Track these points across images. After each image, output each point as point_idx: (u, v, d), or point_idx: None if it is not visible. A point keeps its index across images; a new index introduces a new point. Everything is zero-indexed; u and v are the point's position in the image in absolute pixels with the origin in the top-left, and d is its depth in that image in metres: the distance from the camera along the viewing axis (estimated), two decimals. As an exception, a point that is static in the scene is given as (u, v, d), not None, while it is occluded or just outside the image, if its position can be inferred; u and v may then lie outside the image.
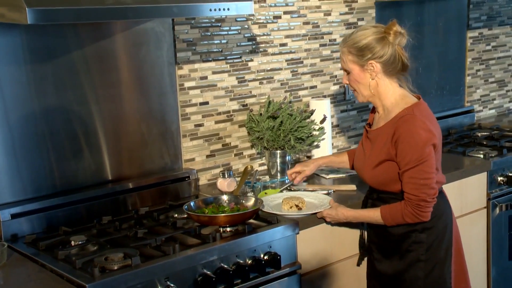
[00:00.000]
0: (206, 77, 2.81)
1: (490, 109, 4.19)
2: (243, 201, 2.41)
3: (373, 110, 2.37)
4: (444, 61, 3.83)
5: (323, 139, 3.03)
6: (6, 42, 2.25)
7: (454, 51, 3.88)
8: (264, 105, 2.94)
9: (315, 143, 3.03)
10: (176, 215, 2.43)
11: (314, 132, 2.95)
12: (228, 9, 2.30)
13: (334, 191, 2.68)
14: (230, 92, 2.90)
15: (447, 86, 3.88)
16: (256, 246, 2.23)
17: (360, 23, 3.32)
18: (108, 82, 2.51)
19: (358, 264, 2.51)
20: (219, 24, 2.82)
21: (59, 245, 2.18)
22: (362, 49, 2.19)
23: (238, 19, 2.88)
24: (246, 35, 2.92)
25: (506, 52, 4.20)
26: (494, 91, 4.19)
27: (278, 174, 2.88)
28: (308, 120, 2.93)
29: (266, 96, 3.00)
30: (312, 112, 2.97)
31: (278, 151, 2.87)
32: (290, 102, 3.04)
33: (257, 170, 2.84)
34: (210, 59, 2.81)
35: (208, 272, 2.10)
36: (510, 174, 3.17)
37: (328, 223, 2.43)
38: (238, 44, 2.90)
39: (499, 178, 3.15)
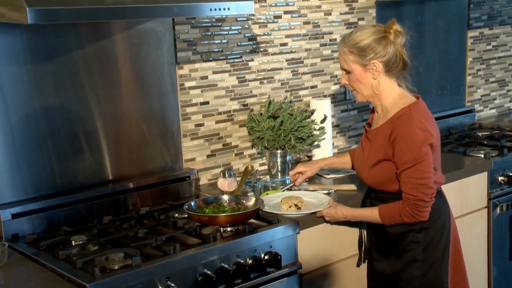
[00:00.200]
0: (206, 77, 2.81)
1: (490, 108, 4.18)
2: (244, 201, 2.41)
3: (373, 110, 2.37)
4: (444, 61, 3.83)
5: (323, 139, 3.02)
6: (6, 42, 2.25)
7: (455, 51, 3.88)
8: (264, 105, 2.94)
9: (316, 143, 3.03)
10: (176, 215, 2.43)
11: (315, 132, 2.95)
12: (229, 9, 2.30)
13: (334, 191, 2.68)
14: (231, 92, 2.90)
15: (448, 86, 3.88)
16: (257, 246, 2.23)
17: (360, 22, 3.32)
18: (109, 82, 2.51)
19: (358, 265, 2.51)
20: (219, 24, 2.82)
21: (59, 245, 2.18)
22: (364, 49, 2.19)
23: (239, 19, 2.88)
24: (246, 34, 2.92)
25: (507, 52, 4.20)
26: (495, 91, 4.19)
27: (279, 174, 2.88)
28: (308, 120, 2.93)
29: (267, 96, 3.00)
30: (312, 112, 2.97)
31: (279, 151, 2.87)
32: (290, 102, 3.04)
33: (257, 170, 2.84)
34: (211, 58, 2.81)
35: (209, 272, 2.10)
36: (510, 174, 3.17)
37: (327, 222, 2.43)
38: (239, 44, 2.90)
39: (500, 178, 3.15)
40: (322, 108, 3.02)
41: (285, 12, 3.05)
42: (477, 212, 3.09)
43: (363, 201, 2.41)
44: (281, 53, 3.06)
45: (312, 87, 3.21)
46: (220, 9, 2.28)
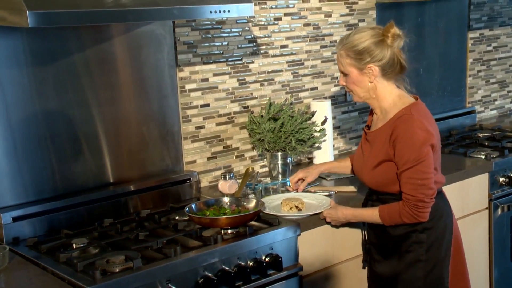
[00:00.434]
0: (207, 79, 2.81)
1: (491, 110, 4.18)
2: (244, 203, 2.41)
3: (372, 112, 2.37)
4: (445, 62, 3.83)
5: (324, 140, 3.03)
6: (7, 45, 2.26)
7: (455, 52, 3.88)
8: (265, 107, 2.94)
9: (316, 145, 3.03)
10: (177, 218, 2.43)
11: (315, 134, 2.95)
12: (229, 11, 2.31)
13: (335, 193, 2.68)
14: (231, 94, 2.90)
15: (448, 87, 3.88)
16: (258, 248, 2.23)
17: (361, 24, 3.32)
18: (109, 84, 2.51)
19: (364, 267, 2.50)
20: (219, 26, 2.82)
21: (60, 248, 2.18)
22: (361, 52, 2.18)
23: (239, 21, 2.88)
24: (247, 37, 2.92)
25: (507, 53, 4.20)
26: (495, 92, 4.18)
27: (280, 176, 2.88)
28: (309, 121, 2.93)
29: (267, 98, 3.01)
30: (313, 114, 2.97)
31: (279, 153, 2.87)
32: (291, 103, 3.04)
33: (258, 172, 2.83)
34: (211, 61, 2.81)
35: (210, 274, 2.10)
36: (511, 175, 3.17)
37: (328, 223, 2.43)
38: (239, 46, 2.90)
39: (501, 179, 3.15)
40: (323, 110, 3.02)
41: (286, 14, 3.05)
42: (478, 213, 3.09)
43: (364, 203, 2.41)
44: (281, 55, 3.06)
45: (312, 88, 3.21)
46: (220, 12, 2.28)
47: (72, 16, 1.96)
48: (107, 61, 2.49)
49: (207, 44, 2.79)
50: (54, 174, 2.40)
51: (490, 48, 4.08)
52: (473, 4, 3.90)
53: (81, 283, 1.89)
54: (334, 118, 3.27)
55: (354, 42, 2.19)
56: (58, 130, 2.40)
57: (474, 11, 3.93)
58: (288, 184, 2.75)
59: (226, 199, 2.45)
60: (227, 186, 2.70)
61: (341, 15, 3.25)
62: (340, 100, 3.32)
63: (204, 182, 2.85)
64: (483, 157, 3.14)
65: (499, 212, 3.16)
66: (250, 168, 2.72)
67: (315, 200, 2.56)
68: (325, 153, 3.05)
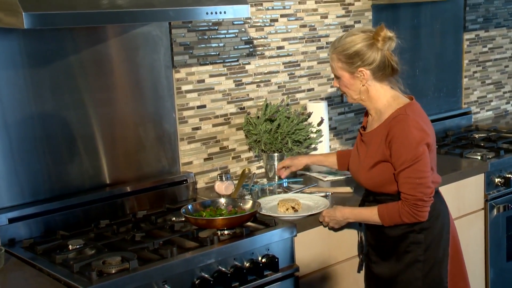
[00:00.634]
0: (203, 81, 2.81)
1: (487, 110, 4.19)
2: (241, 204, 2.41)
3: (367, 113, 2.37)
4: (441, 63, 3.84)
5: (320, 141, 3.03)
6: (3, 47, 2.25)
7: (451, 53, 3.89)
8: (261, 108, 2.95)
9: (313, 146, 3.04)
10: (173, 219, 2.44)
11: (312, 135, 2.95)
12: (225, 13, 2.31)
13: (331, 194, 2.68)
14: (228, 95, 2.91)
15: (444, 88, 3.89)
16: (254, 248, 2.23)
17: (357, 25, 3.32)
18: (105, 86, 2.51)
19: (359, 271, 2.50)
20: (216, 28, 2.82)
21: (56, 249, 2.18)
22: (352, 56, 2.19)
23: (235, 22, 2.89)
24: (243, 38, 2.93)
25: (503, 54, 4.21)
26: (491, 93, 4.19)
27: (276, 177, 2.88)
28: (305, 122, 2.93)
29: (264, 99, 3.01)
30: (309, 115, 2.98)
31: (276, 154, 2.88)
32: (287, 104, 3.05)
33: (254, 173, 2.84)
34: (207, 62, 2.82)
35: (206, 275, 2.10)
36: (507, 176, 3.18)
37: (326, 226, 2.43)
38: (235, 47, 2.90)
39: (497, 180, 3.16)
40: (319, 111, 3.02)
41: (282, 16, 3.05)
42: (474, 213, 3.09)
43: (360, 204, 2.41)
44: (277, 56, 3.07)
45: (309, 90, 3.21)
46: (216, 13, 2.29)
47: (68, 17, 1.96)
48: (103, 62, 2.49)
49: (204, 45, 2.79)
50: (50, 176, 2.40)
51: (485, 49, 4.09)
52: (468, 6, 3.91)
53: (77, 284, 1.89)
54: (330, 119, 3.27)
55: (345, 46, 2.20)
56: (54, 131, 2.40)
57: (470, 13, 3.94)
58: (285, 186, 2.76)
59: (222, 200, 2.46)
60: (223, 187, 2.70)
61: (337, 17, 3.26)
62: (337, 101, 3.33)
63: (201, 183, 2.85)
64: (479, 157, 3.15)
65: (495, 213, 3.17)
66: (246, 169, 2.72)
67: (312, 201, 2.56)
68: (322, 154, 3.05)
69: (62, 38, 2.38)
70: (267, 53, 3.03)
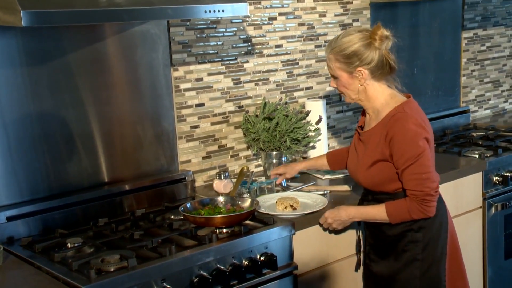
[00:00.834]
0: (201, 79, 2.81)
1: (485, 109, 4.20)
2: (239, 202, 2.42)
3: (364, 112, 2.37)
4: (439, 62, 3.84)
5: (319, 140, 3.03)
6: (1, 45, 2.25)
7: (449, 52, 3.89)
8: (260, 106, 2.95)
9: (311, 144, 3.04)
10: (172, 217, 2.44)
11: (310, 133, 2.95)
12: (223, 11, 2.31)
13: (330, 192, 2.68)
14: (226, 93, 2.91)
15: (443, 87, 3.89)
16: (253, 247, 2.23)
17: (355, 24, 3.33)
18: (104, 84, 2.51)
19: (356, 270, 2.51)
20: (214, 26, 2.82)
21: (55, 247, 2.18)
22: (350, 56, 2.19)
23: (234, 21, 2.89)
24: (241, 36, 2.93)
25: (501, 53, 4.21)
26: (489, 91, 4.20)
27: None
28: (303, 121, 2.93)
29: (262, 98, 3.01)
30: (307, 113, 2.98)
31: (274, 152, 2.88)
32: (285, 103, 3.05)
33: (253, 172, 2.84)
34: (206, 60, 2.82)
35: (205, 273, 2.11)
36: (505, 174, 3.18)
37: (326, 230, 2.43)
38: (234, 45, 2.90)
39: (495, 178, 3.16)
40: (317, 109, 3.02)
41: (280, 14, 3.06)
42: (472, 212, 3.10)
43: (359, 203, 2.41)
44: (276, 54, 3.07)
45: (307, 88, 3.21)
46: (214, 11, 2.29)
47: (66, 15, 1.96)
48: (101, 60, 2.49)
49: (202, 43, 2.79)
50: (48, 174, 2.40)
51: (484, 47, 4.09)
52: (467, 4, 3.92)
53: (76, 283, 1.89)
54: (328, 117, 3.27)
55: (342, 46, 2.19)
56: (52, 130, 2.40)
57: (468, 11, 3.94)
58: (284, 185, 2.76)
59: (221, 199, 2.46)
60: (222, 186, 2.70)
61: (336, 15, 3.26)
62: (335, 100, 3.33)
63: (199, 181, 2.85)
64: (477, 156, 3.15)
65: (493, 211, 3.18)
66: (245, 167, 2.72)
67: (310, 199, 2.57)
68: (320, 153, 3.05)
69: (60, 36, 2.38)
70: (265, 52, 3.03)
